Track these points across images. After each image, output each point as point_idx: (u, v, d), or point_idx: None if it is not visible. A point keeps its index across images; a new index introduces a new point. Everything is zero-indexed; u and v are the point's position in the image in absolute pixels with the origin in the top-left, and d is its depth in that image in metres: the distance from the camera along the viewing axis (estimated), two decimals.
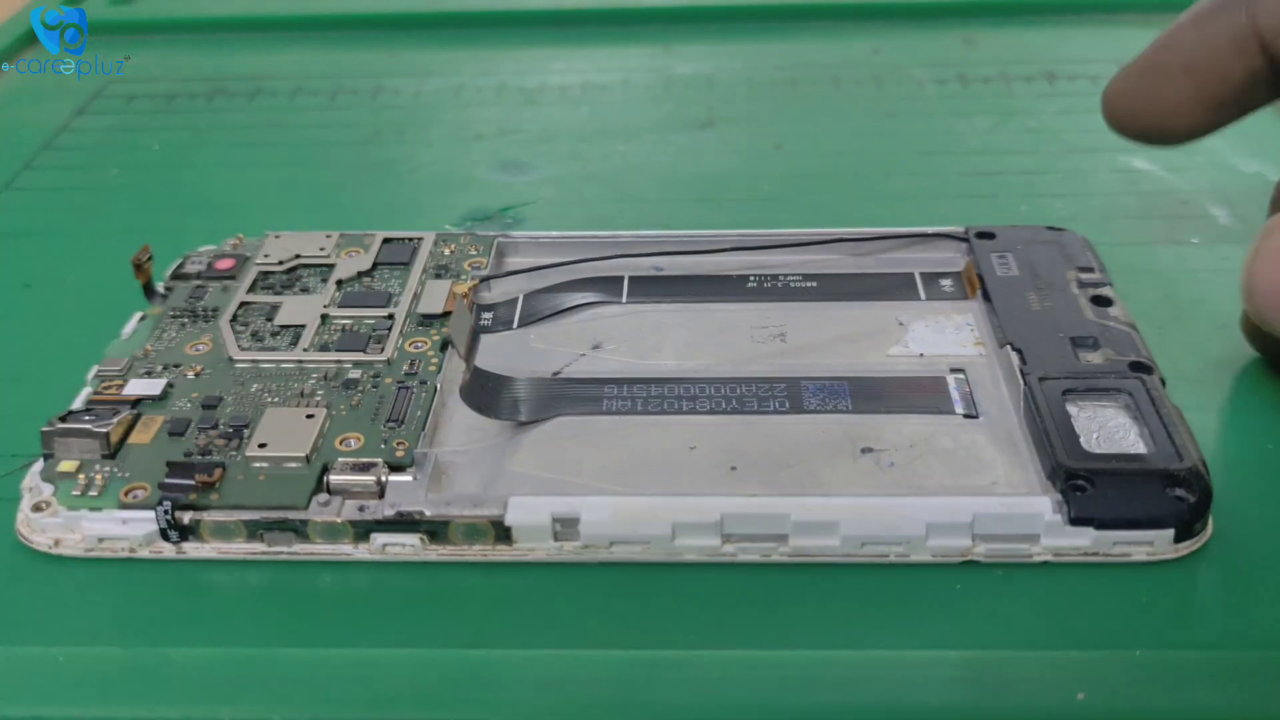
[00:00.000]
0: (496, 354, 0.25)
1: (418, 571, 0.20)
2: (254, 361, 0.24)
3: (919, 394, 0.23)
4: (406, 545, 0.20)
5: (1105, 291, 0.25)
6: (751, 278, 0.27)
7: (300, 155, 0.35)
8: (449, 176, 0.34)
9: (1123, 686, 0.18)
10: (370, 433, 0.22)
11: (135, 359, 0.24)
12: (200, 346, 0.24)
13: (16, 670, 0.19)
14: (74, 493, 0.21)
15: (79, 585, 0.20)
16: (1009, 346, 0.23)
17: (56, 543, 0.21)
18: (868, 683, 0.18)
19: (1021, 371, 0.22)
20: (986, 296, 0.25)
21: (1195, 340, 0.25)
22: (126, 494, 0.21)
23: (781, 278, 0.27)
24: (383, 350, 0.24)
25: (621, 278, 0.27)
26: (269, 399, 0.23)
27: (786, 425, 0.22)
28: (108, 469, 0.21)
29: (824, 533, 0.20)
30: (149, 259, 0.26)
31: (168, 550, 0.21)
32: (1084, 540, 0.20)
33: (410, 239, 0.28)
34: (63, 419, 0.22)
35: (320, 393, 0.23)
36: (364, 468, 0.21)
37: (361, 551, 0.20)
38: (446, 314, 0.25)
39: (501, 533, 0.20)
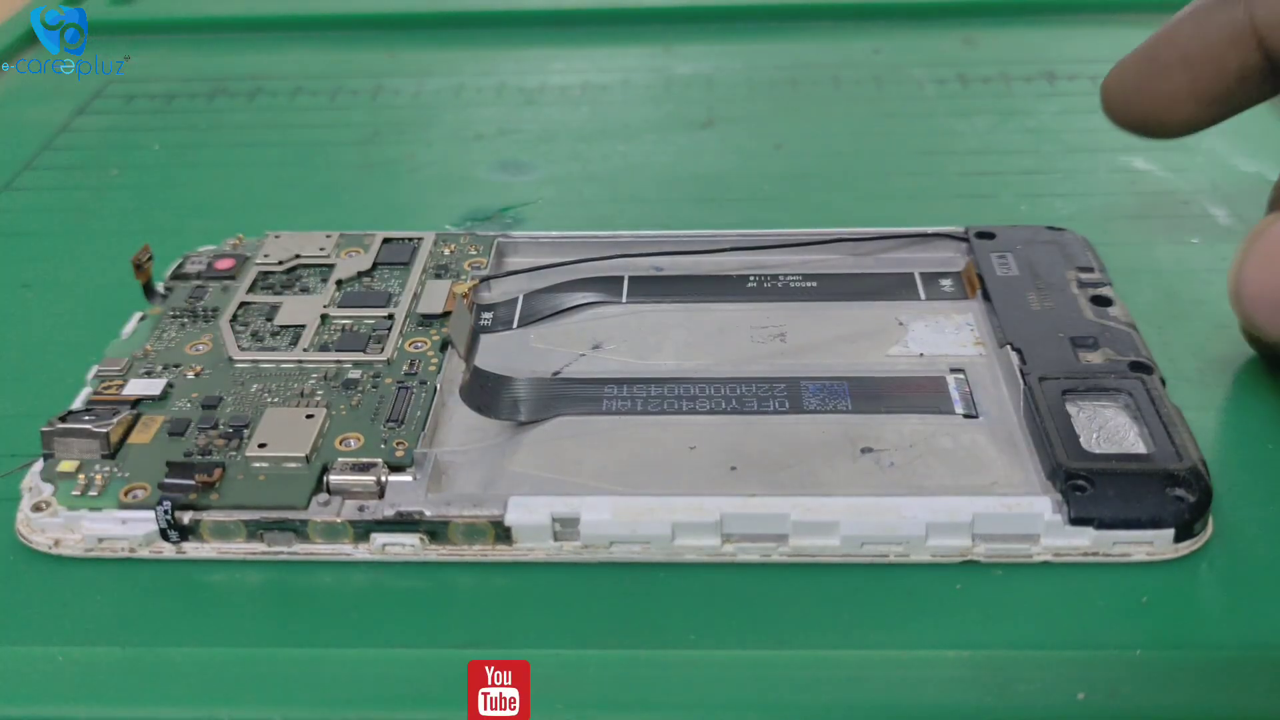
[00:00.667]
0: (496, 354, 0.25)
1: (417, 571, 0.20)
2: (254, 361, 0.24)
3: (919, 394, 0.23)
4: (406, 545, 0.20)
5: (1105, 291, 0.25)
6: (751, 278, 0.27)
7: (300, 155, 0.35)
8: (449, 176, 0.34)
9: (1123, 686, 0.18)
10: (370, 433, 0.22)
11: (135, 359, 0.24)
12: (200, 346, 0.24)
13: (16, 670, 0.19)
14: (74, 493, 0.21)
15: (79, 585, 0.20)
16: (1009, 346, 0.23)
17: (56, 543, 0.21)
18: (868, 683, 0.18)
19: (1021, 371, 0.22)
20: (986, 296, 0.25)
21: (1195, 340, 0.25)
22: (126, 494, 0.21)
23: (781, 278, 0.27)
24: (383, 350, 0.24)
25: (621, 278, 0.27)
26: (269, 399, 0.23)
27: (786, 425, 0.22)
28: (108, 469, 0.21)
29: (824, 533, 0.20)
30: (149, 259, 0.26)
31: (168, 550, 0.21)
32: (1084, 540, 0.20)
33: (410, 239, 0.28)
34: (63, 419, 0.22)
35: (320, 393, 0.23)
36: (364, 468, 0.21)
37: (361, 551, 0.20)
38: (446, 314, 0.25)
39: (501, 533, 0.20)
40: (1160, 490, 0.20)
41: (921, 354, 0.24)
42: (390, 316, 0.25)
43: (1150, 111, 0.25)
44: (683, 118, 0.37)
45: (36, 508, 0.21)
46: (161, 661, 0.19)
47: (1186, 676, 0.18)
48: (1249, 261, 0.21)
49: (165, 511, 0.20)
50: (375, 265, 0.27)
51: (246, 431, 0.22)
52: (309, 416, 0.22)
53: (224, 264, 0.27)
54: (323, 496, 0.21)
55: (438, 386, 0.23)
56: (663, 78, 0.40)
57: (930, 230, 0.27)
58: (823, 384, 0.23)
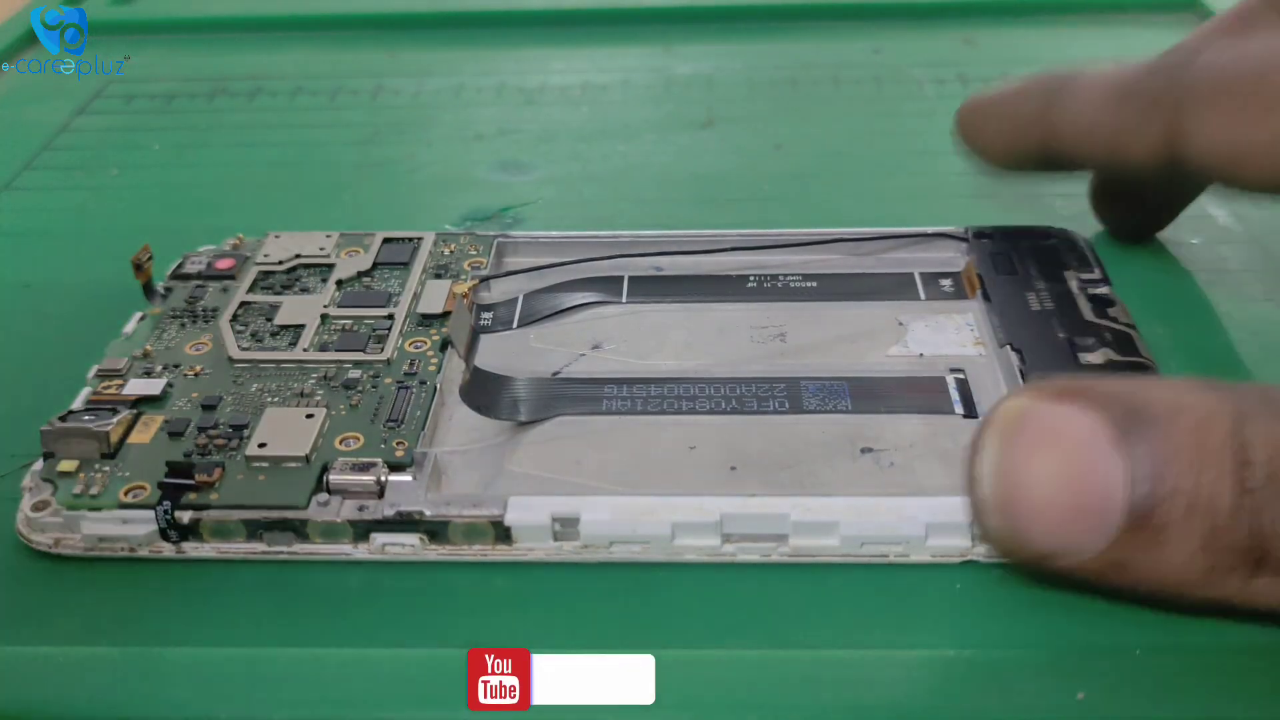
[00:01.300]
0: (496, 354, 0.25)
1: (417, 571, 0.20)
2: (254, 361, 0.24)
3: (919, 394, 0.23)
4: (406, 545, 0.20)
5: (1105, 292, 0.25)
6: (751, 278, 0.27)
7: (300, 155, 0.35)
8: (449, 176, 0.34)
9: (1123, 686, 0.18)
10: (370, 433, 0.22)
11: (135, 359, 0.24)
12: (200, 346, 0.24)
13: (16, 670, 0.19)
14: (74, 492, 0.21)
15: (79, 585, 0.20)
16: (1009, 347, 0.23)
17: (56, 542, 0.21)
18: (868, 683, 0.18)
19: (1021, 371, 0.22)
20: (986, 296, 0.25)
21: (1195, 340, 0.25)
22: (126, 494, 0.21)
23: (781, 278, 0.27)
24: (382, 350, 0.24)
25: (621, 278, 0.27)
26: (269, 399, 0.23)
27: (786, 425, 0.22)
28: (107, 469, 0.21)
29: (824, 533, 0.20)
30: (149, 259, 0.26)
31: (167, 550, 0.20)
32: None
33: (410, 239, 0.28)
34: (63, 419, 0.22)
35: (320, 393, 0.23)
36: (364, 467, 0.21)
37: (361, 551, 0.20)
38: (446, 314, 0.25)
39: (501, 532, 0.20)
40: None
41: (921, 354, 0.24)
42: (390, 316, 0.25)
43: (977, 147, 0.27)
44: (683, 118, 0.37)
45: (37, 507, 0.21)
46: (161, 661, 0.19)
47: (1185, 676, 0.18)
48: (999, 467, 0.18)
49: (165, 511, 0.20)
50: (375, 265, 0.27)
51: (246, 431, 0.22)
52: (309, 416, 0.22)
53: (224, 264, 0.27)
54: (322, 496, 0.21)
55: (438, 386, 0.23)
56: (663, 78, 0.40)
57: (930, 230, 0.27)
58: (823, 384, 0.23)
